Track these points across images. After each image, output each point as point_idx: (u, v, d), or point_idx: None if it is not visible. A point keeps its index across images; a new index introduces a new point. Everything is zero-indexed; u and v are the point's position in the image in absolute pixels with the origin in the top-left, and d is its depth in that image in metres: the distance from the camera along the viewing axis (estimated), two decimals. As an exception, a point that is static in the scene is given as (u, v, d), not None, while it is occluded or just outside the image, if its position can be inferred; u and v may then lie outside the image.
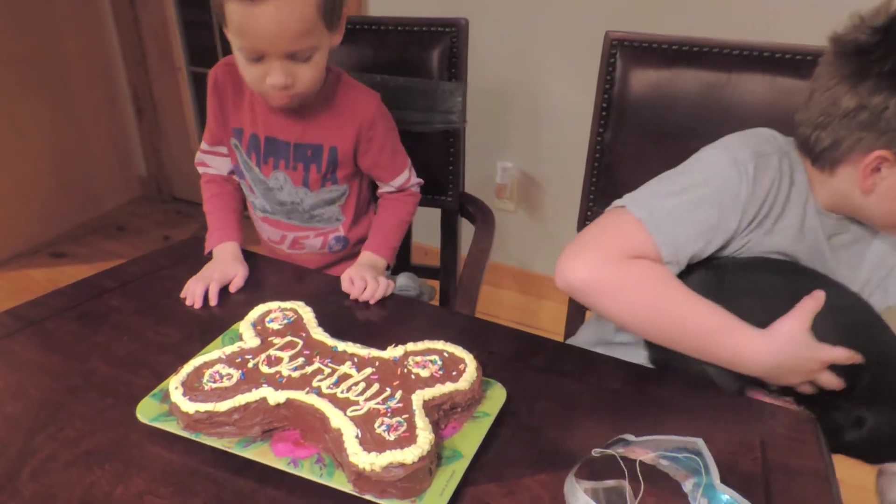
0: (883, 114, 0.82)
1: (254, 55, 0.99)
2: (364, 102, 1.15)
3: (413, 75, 1.35)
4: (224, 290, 1.03)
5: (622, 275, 0.85)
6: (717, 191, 0.88)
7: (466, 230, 1.47)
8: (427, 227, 1.45)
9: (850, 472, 1.72)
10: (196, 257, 1.10)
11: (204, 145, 1.23)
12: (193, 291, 1.01)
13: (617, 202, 0.92)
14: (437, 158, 1.41)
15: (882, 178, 0.86)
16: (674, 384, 0.87)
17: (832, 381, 0.84)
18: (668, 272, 0.86)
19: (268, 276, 1.10)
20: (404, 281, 1.32)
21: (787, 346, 0.83)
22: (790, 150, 0.95)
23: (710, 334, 0.84)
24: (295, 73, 1.01)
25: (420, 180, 1.27)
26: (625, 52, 1.20)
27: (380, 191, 1.27)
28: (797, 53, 1.08)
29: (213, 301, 1.00)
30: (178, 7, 2.80)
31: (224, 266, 1.07)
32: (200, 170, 1.25)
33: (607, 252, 0.86)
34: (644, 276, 0.85)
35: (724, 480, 0.64)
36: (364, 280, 1.03)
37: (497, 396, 0.80)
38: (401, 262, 1.49)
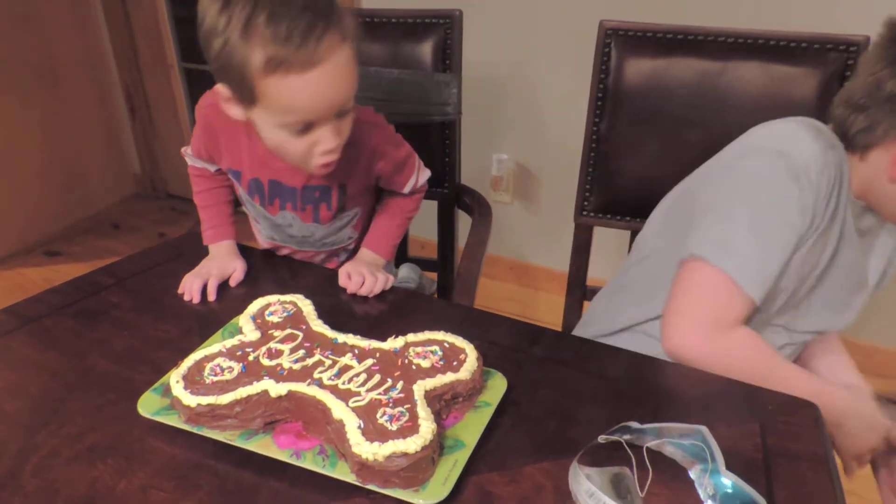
0: None
1: (301, 126, 0.89)
2: (367, 136, 1.05)
3: (407, 67, 1.35)
4: (222, 285, 1.03)
5: (726, 349, 0.88)
6: (786, 213, 0.86)
7: (463, 223, 1.47)
8: (424, 219, 1.44)
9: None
10: (192, 253, 1.10)
11: (189, 150, 1.14)
12: (191, 287, 1.00)
13: (694, 251, 0.90)
14: (433, 150, 1.41)
15: None
16: (673, 372, 0.87)
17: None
18: (765, 345, 0.90)
19: (266, 269, 1.10)
20: (406, 272, 1.32)
21: (860, 403, 0.94)
22: (834, 140, 0.92)
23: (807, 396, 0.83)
24: (340, 128, 0.93)
25: (427, 172, 1.19)
26: (619, 41, 1.20)
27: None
28: (791, 40, 1.09)
29: (211, 296, 1.00)
30: (170, 4, 2.78)
31: (222, 262, 1.06)
32: (188, 160, 1.16)
33: (708, 323, 0.88)
34: (745, 351, 0.89)
35: (727, 466, 0.65)
36: (362, 275, 1.02)
37: (498, 386, 0.80)
38: (398, 255, 1.49)
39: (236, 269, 1.05)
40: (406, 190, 1.17)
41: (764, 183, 0.88)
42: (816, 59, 1.05)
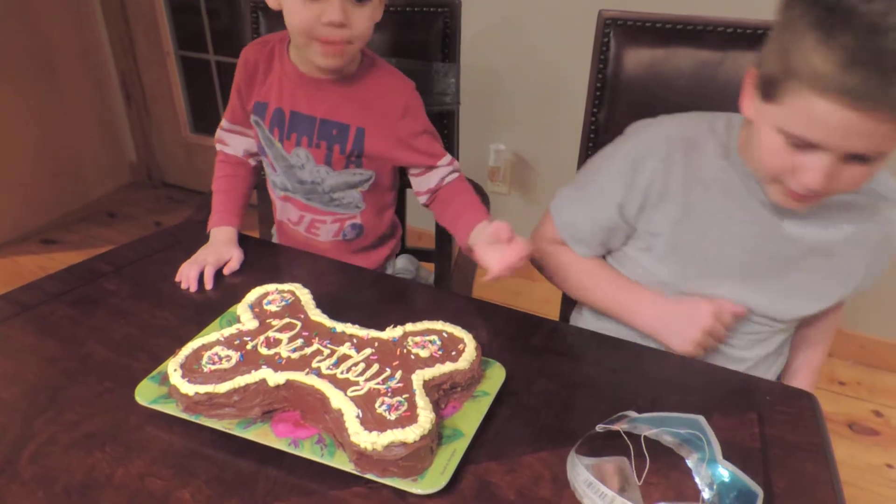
0: (775, 29, 0.80)
1: None
2: (397, 92, 1.12)
3: (406, 57, 1.34)
4: (220, 274, 1.03)
5: (547, 254, 1.11)
6: (605, 179, 1.01)
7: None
8: (421, 210, 1.44)
9: (848, 452, 1.74)
10: (190, 241, 1.10)
11: (224, 122, 1.21)
12: (188, 275, 1.00)
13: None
14: (432, 140, 1.40)
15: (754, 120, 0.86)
16: (671, 362, 0.88)
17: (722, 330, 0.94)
18: (582, 266, 1.08)
19: (265, 258, 1.10)
20: (403, 263, 1.32)
21: (674, 303, 0.98)
22: (722, 135, 0.96)
23: (616, 300, 1.04)
24: (350, 15, 0.99)
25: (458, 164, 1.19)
26: (618, 31, 1.19)
27: (428, 186, 1.16)
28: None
29: (208, 284, 1.00)
30: (166, -9, 2.77)
31: (219, 249, 1.06)
32: (218, 147, 1.23)
33: (542, 237, 1.12)
34: (559, 259, 1.10)
35: (723, 456, 0.65)
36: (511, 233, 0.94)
37: (496, 376, 0.80)
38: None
39: (232, 258, 1.05)
40: (442, 165, 1.14)
41: (605, 154, 1.04)
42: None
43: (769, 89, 0.80)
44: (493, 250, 0.92)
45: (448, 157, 1.16)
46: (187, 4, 2.75)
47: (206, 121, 2.99)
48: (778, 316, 0.99)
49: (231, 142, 1.22)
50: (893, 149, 0.76)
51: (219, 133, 1.22)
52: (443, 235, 1.51)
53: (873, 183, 0.91)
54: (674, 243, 0.98)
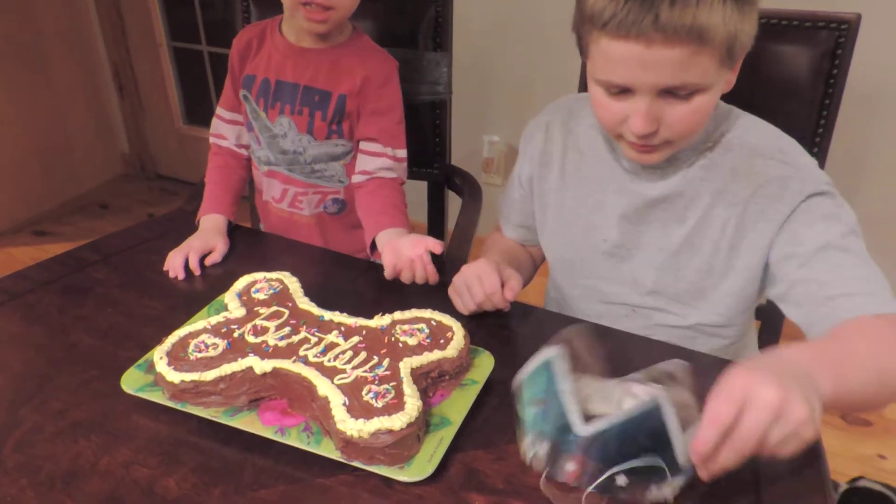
0: None
1: None
2: (380, 61, 1.16)
3: (398, 46, 1.33)
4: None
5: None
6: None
7: (453, 206, 1.46)
8: (414, 201, 1.43)
9: (841, 443, 1.74)
10: (179, 230, 1.09)
11: (219, 110, 1.24)
12: (174, 263, 1.00)
13: None
14: (424, 130, 1.40)
15: None
16: (660, 349, 0.87)
17: None
18: (496, 238, 1.14)
19: (253, 247, 1.09)
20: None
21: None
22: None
23: None
24: None
25: (405, 169, 1.21)
26: (611, 20, 1.18)
27: (365, 167, 1.17)
28: (783, 18, 1.07)
29: (195, 270, 1.00)
30: (159, -19, 2.75)
31: (205, 236, 1.06)
32: (212, 139, 1.25)
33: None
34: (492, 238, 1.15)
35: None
36: (408, 264, 0.97)
37: (485, 364, 0.80)
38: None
39: (216, 249, 1.05)
40: (398, 153, 1.17)
41: None
42: (807, 38, 1.04)
43: (581, 46, 0.83)
44: (390, 252, 0.99)
45: (402, 153, 1.18)
46: (180, -5, 2.73)
47: (199, 112, 2.97)
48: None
49: (227, 132, 1.23)
50: (704, 80, 0.77)
51: (214, 123, 1.23)
52: (435, 227, 1.51)
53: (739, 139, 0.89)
54: (560, 216, 0.99)
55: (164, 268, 1.00)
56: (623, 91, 0.79)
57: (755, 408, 0.55)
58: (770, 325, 1.17)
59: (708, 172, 0.88)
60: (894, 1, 1.61)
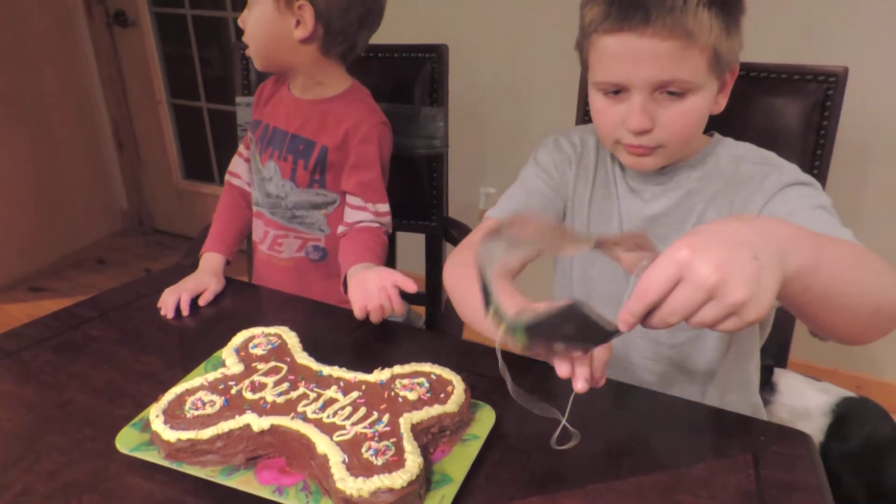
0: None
1: None
2: (364, 116, 1.17)
3: (395, 101, 1.35)
4: (207, 314, 1.02)
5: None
6: (531, 171, 1.07)
7: (451, 255, 1.46)
8: (411, 253, 1.44)
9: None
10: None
11: (240, 148, 1.32)
12: (166, 302, 1.02)
13: None
14: (421, 183, 1.41)
15: None
16: (663, 402, 0.86)
17: None
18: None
19: (251, 301, 1.09)
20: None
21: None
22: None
23: None
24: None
25: (389, 222, 1.21)
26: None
27: (343, 220, 1.18)
28: (772, 72, 1.08)
29: (184, 311, 1.02)
30: (159, 40, 2.80)
31: (199, 277, 1.08)
32: (227, 176, 1.31)
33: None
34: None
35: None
36: (374, 303, 0.97)
37: (486, 418, 0.78)
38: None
39: (208, 289, 1.06)
40: (379, 208, 1.17)
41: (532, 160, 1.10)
42: (797, 90, 1.06)
43: (583, 60, 0.90)
44: (357, 286, 1.00)
45: (384, 207, 1.18)
46: (180, 54, 2.79)
47: (197, 167, 3.00)
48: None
49: (240, 170, 1.31)
50: (694, 77, 0.82)
51: (233, 160, 1.32)
52: (433, 279, 1.51)
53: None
54: (586, 230, 1.01)
55: (158, 305, 1.03)
56: (620, 92, 0.85)
57: (687, 286, 0.54)
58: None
59: (701, 184, 0.93)
60: (881, 53, 1.65)
